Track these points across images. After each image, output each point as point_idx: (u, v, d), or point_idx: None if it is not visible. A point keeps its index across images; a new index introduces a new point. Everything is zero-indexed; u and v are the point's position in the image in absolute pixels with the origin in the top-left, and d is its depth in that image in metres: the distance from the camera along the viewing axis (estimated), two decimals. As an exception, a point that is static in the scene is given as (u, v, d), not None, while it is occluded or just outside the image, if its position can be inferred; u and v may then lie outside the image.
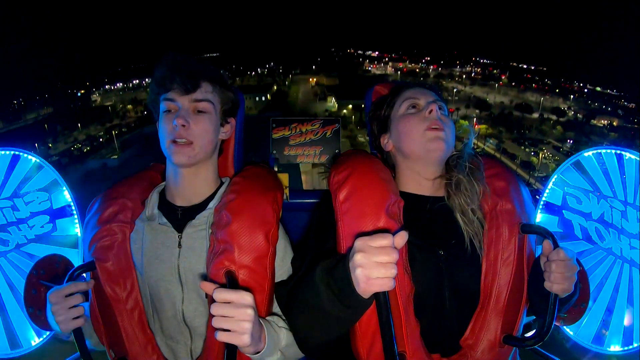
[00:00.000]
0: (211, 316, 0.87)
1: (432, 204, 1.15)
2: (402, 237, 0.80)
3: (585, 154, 1.48)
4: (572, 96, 72.31)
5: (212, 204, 1.15)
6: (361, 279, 0.80)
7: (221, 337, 0.85)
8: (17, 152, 1.45)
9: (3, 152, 1.45)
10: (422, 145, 1.12)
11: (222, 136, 1.21)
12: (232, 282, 0.98)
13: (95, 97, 74.69)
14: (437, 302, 1.07)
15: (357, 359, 1.04)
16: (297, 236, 1.26)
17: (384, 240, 0.79)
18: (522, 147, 45.50)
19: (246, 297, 0.87)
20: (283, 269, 1.15)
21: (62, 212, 1.49)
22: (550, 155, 41.44)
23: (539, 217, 1.54)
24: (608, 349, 1.44)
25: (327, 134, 1.63)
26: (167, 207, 1.18)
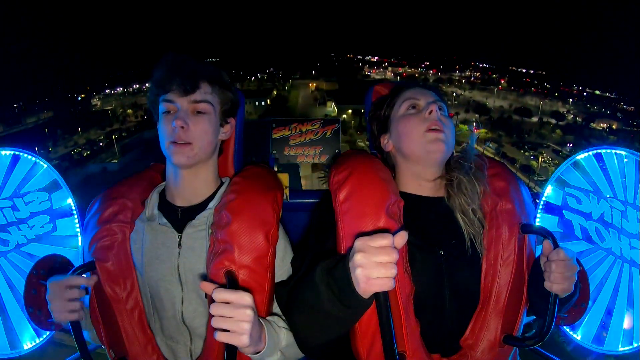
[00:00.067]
0: (211, 316, 0.87)
1: (432, 204, 1.15)
2: (402, 237, 0.80)
3: (585, 154, 1.48)
4: (571, 99, 72.56)
5: (212, 204, 1.15)
6: (361, 279, 0.80)
7: (220, 337, 0.85)
8: (17, 152, 1.45)
9: (3, 152, 1.45)
10: (422, 146, 1.11)
11: (221, 136, 1.21)
12: (232, 282, 0.98)
13: (96, 101, 74.91)
14: (437, 302, 1.07)
15: (357, 359, 1.04)
16: (297, 236, 1.25)
17: (383, 240, 0.79)
18: (522, 151, 45.54)
19: (245, 298, 0.87)
20: (283, 269, 1.15)
21: (62, 212, 1.49)
22: (550, 158, 41.49)
23: (539, 217, 1.54)
24: (608, 349, 1.44)
25: (327, 134, 1.63)
26: (167, 208, 1.18)
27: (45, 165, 1.49)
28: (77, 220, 1.50)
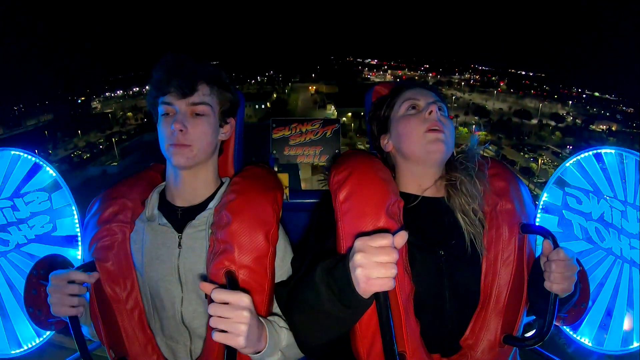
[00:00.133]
0: (210, 316, 0.87)
1: (432, 204, 1.15)
2: (402, 237, 0.81)
3: (585, 154, 1.48)
4: (570, 102, 72.55)
5: (212, 204, 1.15)
6: (361, 279, 0.80)
7: (217, 337, 0.85)
8: (17, 152, 1.45)
9: (3, 152, 1.45)
10: (422, 146, 1.11)
11: (221, 137, 1.21)
12: (232, 282, 0.98)
13: (96, 104, 74.88)
14: (437, 302, 1.07)
15: (357, 359, 1.04)
16: (297, 236, 1.25)
17: (383, 240, 0.79)
18: (522, 153, 45.54)
19: (244, 299, 0.87)
20: (283, 269, 1.15)
21: (62, 212, 1.49)
22: (550, 160, 41.49)
23: (539, 217, 1.54)
24: (608, 349, 1.43)
25: (327, 134, 1.64)
26: (167, 208, 1.18)
27: (45, 166, 1.49)
28: (77, 221, 1.50)
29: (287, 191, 1.46)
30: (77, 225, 1.49)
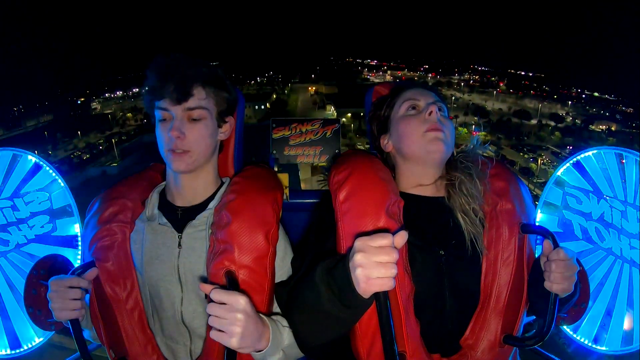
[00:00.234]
0: (209, 316, 0.88)
1: (432, 204, 1.15)
2: (402, 237, 0.80)
3: (585, 154, 1.48)
4: (570, 102, 72.59)
5: (212, 204, 1.15)
6: (361, 279, 0.80)
7: (213, 335, 0.87)
8: (17, 152, 1.45)
9: (3, 152, 1.45)
10: (422, 146, 1.11)
11: (220, 137, 1.20)
12: (232, 282, 0.98)
13: (95, 105, 74.79)
14: (437, 302, 1.07)
15: (357, 359, 1.04)
16: (297, 236, 1.25)
17: (383, 240, 0.79)
18: (521, 154, 45.44)
19: (240, 301, 0.88)
20: (283, 269, 1.14)
21: (62, 212, 1.49)
22: (549, 161, 41.43)
23: (539, 217, 1.55)
24: (608, 349, 1.43)
25: (327, 134, 1.63)
26: (167, 207, 1.18)
27: (45, 166, 1.49)
28: (77, 220, 1.50)
29: (287, 191, 1.46)
30: (77, 225, 1.49)
